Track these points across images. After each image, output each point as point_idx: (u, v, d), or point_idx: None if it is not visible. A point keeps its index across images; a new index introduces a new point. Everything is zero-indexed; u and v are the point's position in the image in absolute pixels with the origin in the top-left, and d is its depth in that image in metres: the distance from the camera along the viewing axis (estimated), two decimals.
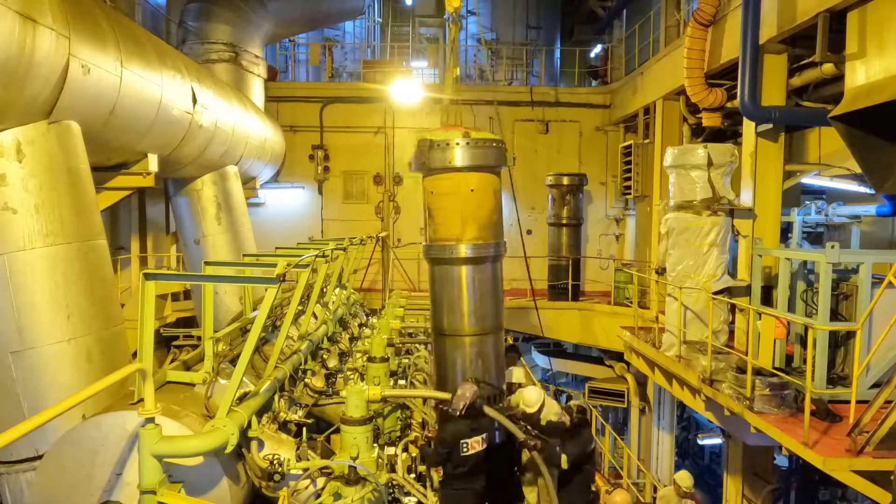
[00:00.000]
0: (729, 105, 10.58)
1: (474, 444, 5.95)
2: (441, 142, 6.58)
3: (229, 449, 4.54)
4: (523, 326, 14.76)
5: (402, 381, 7.89)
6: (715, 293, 8.85)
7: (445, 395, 6.95)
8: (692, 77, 10.65)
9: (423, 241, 7.25)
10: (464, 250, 6.70)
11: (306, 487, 5.04)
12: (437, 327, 7.20)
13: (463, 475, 5.97)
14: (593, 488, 7.24)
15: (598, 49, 22.22)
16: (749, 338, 8.12)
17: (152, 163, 8.96)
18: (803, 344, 7.74)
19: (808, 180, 10.66)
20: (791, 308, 8.12)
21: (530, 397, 6.67)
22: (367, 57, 23.02)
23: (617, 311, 14.05)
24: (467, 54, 21.88)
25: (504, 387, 7.37)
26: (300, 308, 7.05)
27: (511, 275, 14.79)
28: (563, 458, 6.14)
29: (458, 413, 5.99)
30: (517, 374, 8.19)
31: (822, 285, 7.22)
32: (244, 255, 8.22)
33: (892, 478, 5.31)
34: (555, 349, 17.54)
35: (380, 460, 5.38)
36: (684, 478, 8.66)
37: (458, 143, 6.56)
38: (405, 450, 6.14)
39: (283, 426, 5.63)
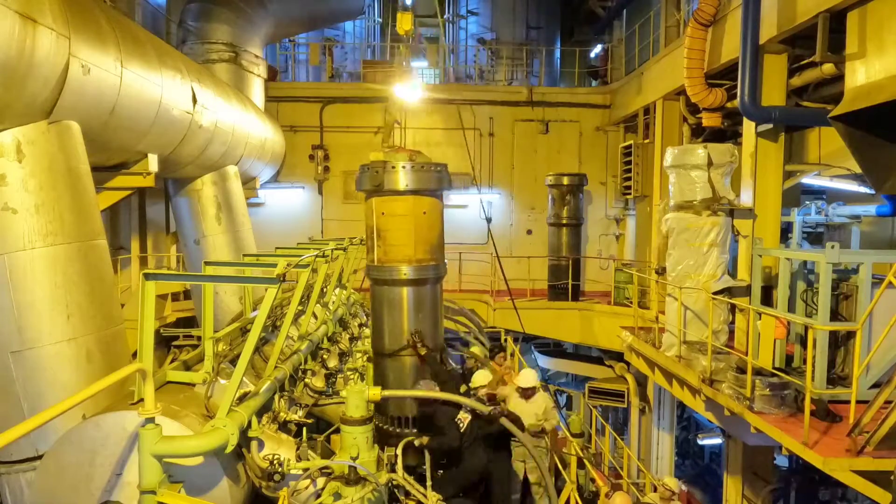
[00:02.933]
0: (729, 105, 10.59)
1: (463, 417, 6.18)
2: (396, 164, 6.67)
3: (229, 449, 4.54)
4: (518, 325, 14.74)
5: None
6: (715, 293, 8.85)
7: (445, 396, 6.96)
8: (692, 77, 10.66)
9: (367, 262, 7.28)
10: (411, 271, 6.80)
11: (306, 487, 5.04)
12: (377, 348, 7.25)
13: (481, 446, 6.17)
14: (593, 487, 7.29)
15: (598, 49, 22.22)
16: (749, 338, 8.12)
17: (152, 163, 8.96)
18: (803, 344, 7.74)
19: (808, 180, 10.65)
20: (791, 308, 8.12)
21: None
22: (367, 57, 23.03)
23: (617, 311, 14.04)
24: (467, 54, 21.90)
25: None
26: (300, 308, 7.04)
27: (508, 274, 14.80)
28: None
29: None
30: (479, 378, 8.29)
31: (822, 285, 7.22)
32: (244, 255, 8.22)
33: (892, 478, 5.31)
34: (555, 349, 17.54)
35: (380, 460, 5.38)
36: (671, 482, 8.78)
37: (412, 167, 6.68)
38: (405, 449, 6.14)
39: (283, 426, 5.62)
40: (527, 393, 7.72)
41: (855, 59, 7.26)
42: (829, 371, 7.22)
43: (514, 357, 11.86)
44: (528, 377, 7.79)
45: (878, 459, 5.70)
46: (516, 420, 6.53)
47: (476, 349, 10.20)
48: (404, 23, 10.29)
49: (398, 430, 6.78)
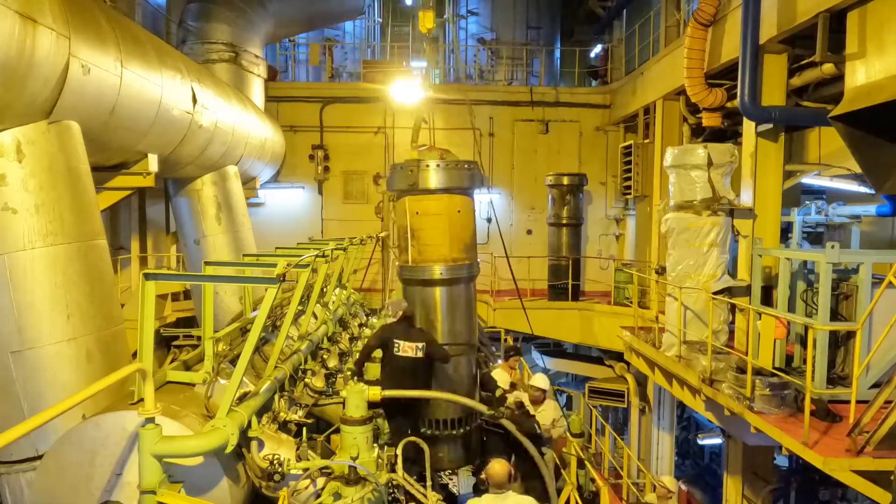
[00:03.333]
0: (729, 105, 10.59)
1: (406, 348, 6.23)
2: (430, 162, 6.64)
3: (229, 449, 4.54)
4: (521, 326, 14.75)
5: None
6: (715, 293, 8.85)
7: (447, 396, 6.96)
8: (692, 77, 10.66)
9: (399, 262, 7.28)
10: (445, 271, 6.77)
11: (306, 487, 5.04)
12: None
13: (395, 379, 6.25)
14: (593, 487, 7.30)
15: (598, 49, 22.21)
16: (749, 338, 8.12)
17: (152, 163, 8.96)
18: (803, 344, 7.74)
19: (808, 180, 10.65)
20: (791, 308, 8.11)
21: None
22: (367, 57, 23.03)
23: (617, 311, 14.04)
24: (467, 54, 21.90)
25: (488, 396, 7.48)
26: (300, 308, 7.04)
27: (508, 274, 14.81)
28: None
29: (395, 317, 6.45)
30: (499, 377, 8.31)
31: (822, 285, 7.21)
32: (244, 255, 8.21)
33: (892, 478, 5.31)
34: (555, 349, 17.54)
35: (380, 460, 5.38)
36: (668, 482, 8.83)
37: (446, 165, 6.66)
38: (406, 449, 6.14)
39: (283, 426, 5.62)
40: (537, 398, 7.70)
41: (855, 59, 7.26)
42: (829, 371, 7.22)
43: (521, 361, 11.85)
44: (542, 380, 7.81)
45: (878, 459, 5.70)
46: (520, 423, 6.54)
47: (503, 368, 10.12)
48: (426, 21, 10.23)
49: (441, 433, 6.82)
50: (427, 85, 11.92)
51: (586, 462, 7.80)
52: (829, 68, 8.13)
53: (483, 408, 6.69)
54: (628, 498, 11.23)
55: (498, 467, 5.71)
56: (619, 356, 13.84)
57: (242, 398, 5.11)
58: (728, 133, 11.87)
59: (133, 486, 4.43)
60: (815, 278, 7.84)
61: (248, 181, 14.74)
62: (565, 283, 15.42)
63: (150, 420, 4.23)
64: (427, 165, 6.64)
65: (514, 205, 18.24)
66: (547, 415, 7.78)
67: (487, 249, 16.23)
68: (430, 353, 6.53)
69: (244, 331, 6.31)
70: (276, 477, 4.85)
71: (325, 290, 8.49)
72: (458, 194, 6.77)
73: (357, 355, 7.25)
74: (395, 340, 6.33)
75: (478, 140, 17.25)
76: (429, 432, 6.89)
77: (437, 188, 6.67)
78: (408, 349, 6.30)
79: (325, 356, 7.50)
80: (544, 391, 7.71)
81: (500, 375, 8.22)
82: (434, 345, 6.59)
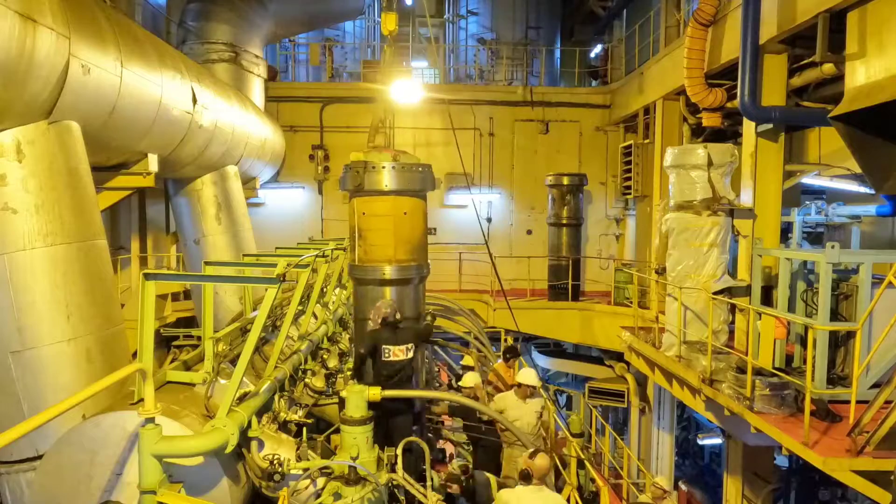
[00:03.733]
0: (729, 105, 10.58)
1: (397, 352, 6.25)
2: (376, 164, 6.66)
3: (229, 449, 4.54)
4: (521, 326, 14.74)
5: None
6: (715, 293, 8.85)
7: (446, 395, 6.98)
8: (692, 77, 10.66)
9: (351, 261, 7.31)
10: (393, 271, 6.78)
11: (306, 487, 5.04)
12: (358, 347, 7.27)
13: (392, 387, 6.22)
14: (593, 487, 7.31)
15: (598, 49, 22.22)
16: (749, 338, 8.12)
17: (152, 163, 8.96)
18: (803, 344, 7.74)
19: (808, 180, 10.66)
20: (791, 308, 8.11)
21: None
22: (367, 57, 23.02)
23: (617, 311, 14.04)
24: (467, 54, 21.90)
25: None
26: (300, 308, 7.04)
27: (508, 274, 14.81)
28: None
29: (376, 324, 6.43)
30: (468, 380, 8.43)
31: (822, 285, 7.21)
32: (244, 255, 8.22)
33: (892, 478, 5.31)
34: (555, 349, 17.54)
35: (380, 460, 5.38)
36: (662, 481, 8.87)
37: (392, 167, 6.66)
38: (405, 449, 6.14)
39: (283, 426, 5.62)
40: (526, 392, 7.73)
41: (855, 59, 7.26)
42: (829, 371, 7.22)
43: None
44: (529, 375, 7.81)
45: (878, 459, 5.70)
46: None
47: (469, 359, 10.19)
48: (388, 23, 10.27)
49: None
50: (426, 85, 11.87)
51: (586, 462, 7.80)
52: (829, 68, 8.12)
53: (485, 408, 6.72)
54: (628, 498, 11.23)
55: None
56: (619, 356, 13.84)
57: (242, 398, 5.11)
58: (728, 133, 11.87)
59: (133, 486, 4.43)
60: (815, 278, 7.84)
61: (248, 181, 14.74)
62: (565, 283, 15.42)
63: (150, 420, 4.24)
64: (373, 167, 6.67)
65: (514, 205, 18.24)
66: (537, 405, 7.81)
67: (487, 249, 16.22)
68: (419, 342, 6.63)
69: (244, 331, 6.31)
70: (276, 477, 4.85)
71: (325, 290, 8.49)
72: (406, 196, 6.78)
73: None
74: (385, 347, 6.35)
75: (477, 140, 17.26)
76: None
77: (382, 190, 6.69)
78: (398, 353, 6.32)
79: (325, 356, 7.50)
80: (534, 388, 7.71)
81: (470, 378, 8.33)
82: (421, 333, 6.69)
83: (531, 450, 6.08)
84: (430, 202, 7.40)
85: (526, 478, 5.71)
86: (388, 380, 6.31)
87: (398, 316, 6.52)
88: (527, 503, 5.55)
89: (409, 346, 6.41)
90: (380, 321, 6.42)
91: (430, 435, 7.44)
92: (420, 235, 7.03)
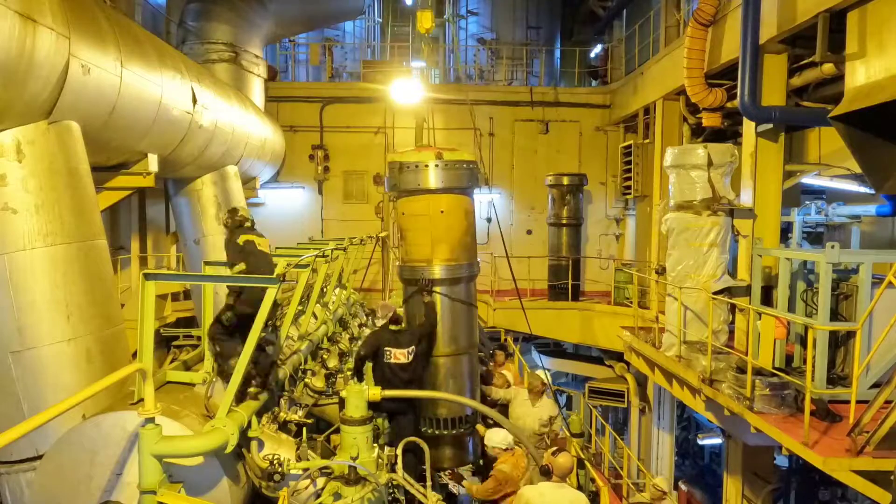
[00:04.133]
0: (729, 105, 10.58)
1: (398, 355, 6.21)
2: (411, 163, 6.65)
3: (229, 449, 4.54)
4: (521, 326, 14.75)
5: None
6: (715, 293, 8.84)
7: (446, 396, 6.97)
8: (692, 77, 10.65)
9: (397, 262, 7.32)
10: (436, 271, 6.73)
11: (306, 487, 5.04)
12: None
13: (390, 384, 6.20)
14: (593, 487, 7.31)
15: (598, 49, 22.21)
16: (749, 338, 8.12)
17: (152, 163, 8.95)
18: (803, 344, 7.74)
19: (808, 180, 10.66)
20: (791, 308, 8.11)
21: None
22: (367, 57, 23.03)
23: (617, 311, 14.04)
24: (467, 54, 21.90)
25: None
26: (300, 308, 7.04)
27: (508, 274, 14.78)
28: None
29: (385, 322, 6.48)
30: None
31: (822, 285, 7.21)
32: None
33: (892, 478, 5.31)
34: (555, 349, 17.54)
35: (380, 460, 5.38)
36: (661, 482, 8.89)
37: (427, 165, 6.63)
38: (405, 449, 6.14)
39: (283, 426, 5.63)
40: (535, 387, 7.78)
41: (855, 59, 7.25)
42: (829, 371, 7.22)
43: (514, 357, 11.86)
44: (540, 375, 7.89)
45: (878, 459, 5.70)
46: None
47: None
48: (425, 21, 10.20)
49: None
50: (427, 85, 11.87)
51: (586, 462, 7.80)
52: (829, 68, 8.12)
53: (486, 409, 6.68)
54: (628, 498, 11.22)
55: (565, 461, 5.76)
56: (619, 356, 13.83)
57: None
58: (728, 133, 11.87)
59: (133, 486, 4.43)
60: (815, 278, 7.84)
61: (248, 181, 14.74)
62: (565, 283, 15.41)
63: (150, 420, 4.24)
64: (408, 167, 6.64)
65: (514, 205, 18.24)
66: (545, 411, 7.82)
67: (487, 249, 16.23)
68: (422, 348, 6.54)
69: None
70: (276, 477, 4.85)
71: (325, 290, 8.50)
72: (445, 194, 6.73)
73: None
74: (387, 349, 6.32)
75: (478, 140, 17.24)
76: (430, 431, 6.89)
77: (418, 189, 6.66)
78: (399, 356, 6.30)
79: (325, 356, 7.50)
80: (544, 382, 7.77)
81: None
82: (424, 338, 6.58)
83: (554, 448, 6.10)
84: None
85: (546, 473, 5.72)
86: (388, 378, 6.29)
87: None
88: (549, 499, 5.55)
89: (411, 349, 6.34)
90: (389, 315, 6.40)
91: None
92: (461, 234, 6.92)
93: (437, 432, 6.89)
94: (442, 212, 6.71)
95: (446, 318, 6.93)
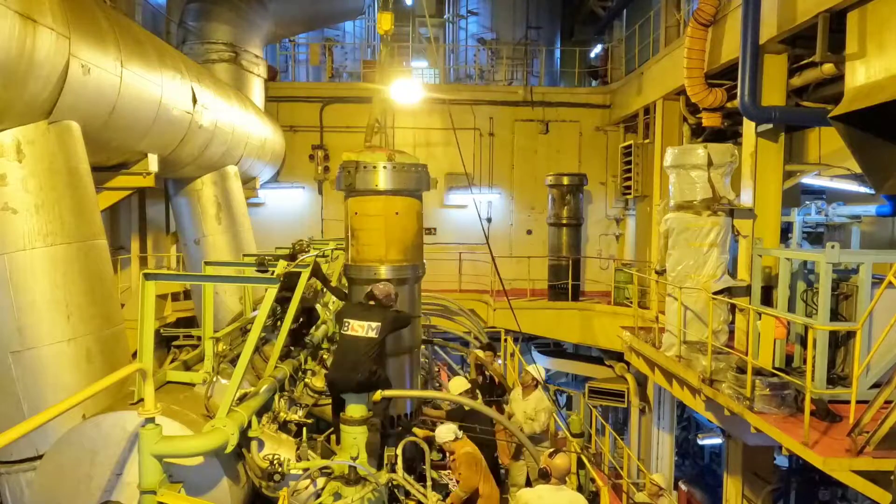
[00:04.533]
0: (729, 105, 10.58)
1: (356, 327, 5.82)
2: (368, 164, 6.65)
3: (229, 449, 4.54)
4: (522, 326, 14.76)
5: None
6: (715, 293, 8.85)
7: (446, 395, 6.98)
8: (692, 77, 10.66)
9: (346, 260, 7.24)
10: (386, 271, 6.73)
11: (306, 487, 5.04)
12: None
13: (338, 365, 5.84)
14: (593, 487, 7.32)
15: (598, 49, 22.21)
16: (749, 338, 8.12)
17: (152, 163, 8.96)
18: (803, 344, 7.74)
19: (808, 180, 10.66)
20: (791, 308, 8.11)
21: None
22: (367, 57, 23.02)
23: (617, 311, 14.04)
24: (467, 54, 21.90)
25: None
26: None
27: (507, 274, 14.79)
28: None
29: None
30: (455, 385, 8.38)
31: (822, 285, 7.21)
32: (244, 255, 8.22)
33: (892, 478, 5.32)
34: (555, 349, 17.54)
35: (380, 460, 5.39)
36: (658, 478, 8.91)
37: (384, 167, 6.62)
38: (405, 449, 6.14)
39: (283, 426, 5.63)
40: (527, 382, 7.83)
41: (855, 59, 7.26)
42: (829, 371, 7.22)
43: (515, 357, 11.87)
44: (535, 370, 7.92)
45: (878, 459, 5.70)
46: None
47: (479, 352, 10.32)
48: (384, 22, 10.21)
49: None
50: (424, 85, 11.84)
51: (586, 462, 7.80)
52: (829, 68, 8.12)
53: (485, 408, 6.70)
54: (628, 498, 11.22)
55: (561, 462, 5.73)
56: (619, 356, 13.83)
57: (242, 398, 5.11)
58: (728, 133, 11.87)
59: (133, 486, 4.44)
60: (815, 278, 7.84)
61: (248, 181, 14.74)
62: (565, 283, 15.42)
63: (150, 420, 4.24)
64: (364, 167, 6.65)
65: (514, 205, 18.24)
66: (530, 404, 7.90)
67: (487, 249, 16.22)
68: (392, 328, 6.12)
69: (244, 331, 6.32)
70: (276, 477, 4.85)
71: (325, 290, 8.48)
72: (398, 196, 6.74)
73: None
74: (346, 320, 5.94)
75: (477, 140, 17.26)
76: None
77: (373, 189, 6.66)
78: (357, 328, 5.85)
79: (325, 356, 7.50)
80: (534, 378, 7.78)
81: (458, 383, 8.34)
82: (397, 320, 6.22)
83: (551, 450, 6.10)
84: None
85: (544, 476, 5.71)
86: (338, 353, 5.95)
87: (392, 299, 6.33)
88: (548, 502, 5.55)
89: (375, 325, 5.86)
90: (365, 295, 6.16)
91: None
92: (413, 235, 6.96)
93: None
94: (397, 213, 6.75)
95: None
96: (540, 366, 8.26)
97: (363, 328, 5.83)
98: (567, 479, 7.15)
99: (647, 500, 8.66)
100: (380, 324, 5.81)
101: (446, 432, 6.68)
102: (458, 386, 8.31)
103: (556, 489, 5.64)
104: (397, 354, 6.83)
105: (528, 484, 7.60)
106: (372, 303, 6.07)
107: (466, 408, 7.43)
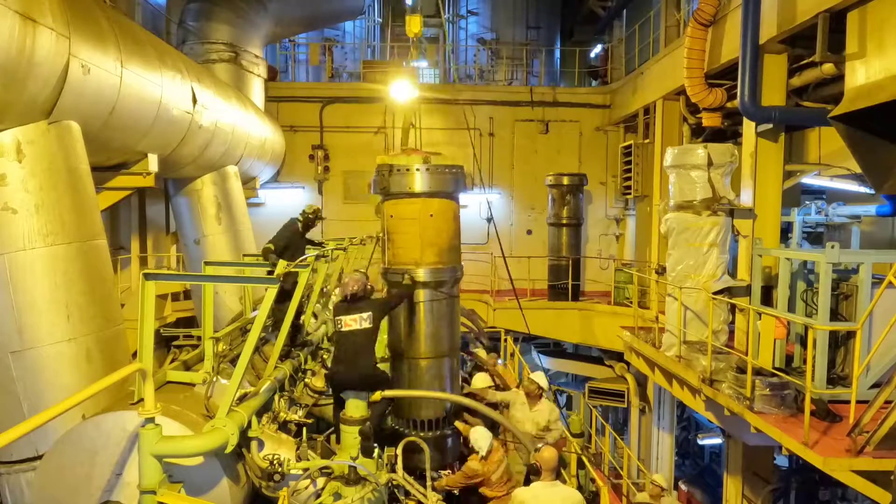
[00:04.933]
0: (729, 105, 10.58)
1: (349, 322, 5.98)
2: (402, 167, 6.64)
3: (229, 449, 4.54)
4: (521, 326, 14.76)
5: None
6: (715, 293, 8.85)
7: (445, 396, 6.97)
8: (692, 77, 10.66)
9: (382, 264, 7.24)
10: (422, 274, 6.71)
11: (306, 487, 5.04)
12: (393, 349, 7.21)
13: (338, 359, 5.99)
14: (593, 487, 7.32)
15: (598, 49, 22.22)
16: (749, 338, 8.12)
17: (152, 163, 8.96)
18: (803, 344, 7.74)
19: (808, 180, 10.65)
20: (791, 308, 8.11)
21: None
22: (367, 57, 23.04)
23: (617, 311, 14.04)
24: (467, 54, 21.90)
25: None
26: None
27: (507, 274, 14.78)
28: None
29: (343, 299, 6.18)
30: (478, 381, 8.31)
31: (822, 285, 7.21)
32: (244, 255, 8.23)
33: (892, 478, 5.32)
34: (555, 349, 17.54)
35: (380, 460, 5.39)
36: (659, 478, 8.88)
37: (418, 169, 6.61)
38: (405, 448, 6.14)
39: (283, 426, 5.63)
40: (531, 391, 7.71)
41: (855, 59, 7.26)
42: (829, 371, 7.22)
43: (515, 358, 11.87)
44: (540, 377, 7.80)
45: (878, 459, 5.70)
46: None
47: (480, 352, 10.30)
48: (413, 25, 10.12)
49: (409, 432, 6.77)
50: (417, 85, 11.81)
51: (586, 462, 7.79)
52: (829, 68, 8.12)
53: (486, 409, 6.69)
54: (629, 498, 11.23)
55: (548, 453, 5.70)
56: (619, 356, 13.83)
57: (242, 398, 5.11)
58: (728, 133, 11.87)
59: (133, 486, 4.44)
60: (815, 278, 7.84)
61: (248, 181, 14.74)
62: (565, 283, 15.41)
63: (150, 420, 4.24)
64: (398, 170, 6.63)
65: (514, 205, 18.25)
66: (542, 416, 7.74)
67: (487, 249, 16.24)
68: (383, 312, 6.31)
69: (244, 331, 6.32)
70: (276, 477, 4.86)
71: (325, 290, 8.49)
72: (433, 198, 6.72)
73: None
74: (339, 318, 6.08)
75: (474, 140, 17.24)
76: (406, 431, 6.81)
77: (408, 192, 6.64)
78: (350, 322, 6.01)
79: (325, 356, 7.50)
80: (540, 387, 7.69)
81: (481, 379, 8.25)
82: (386, 303, 6.39)
83: (538, 445, 6.08)
84: None
85: (536, 472, 5.70)
86: (342, 350, 6.03)
87: (369, 289, 6.36)
88: (543, 499, 5.53)
89: (366, 315, 6.03)
90: (345, 296, 6.16)
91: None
92: (449, 238, 6.91)
93: (420, 434, 6.80)
94: (432, 215, 6.72)
95: (430, 321, 6.90)
96: (542, 373, 8.20)
97: (356, 321, 5.99)
98: (562, 472, 7.15)
99: (648, 501, 8.65)
100: (370, 313, 6.00)
101: (482, 444, 6.51)
102: (481, 381, 8.28)
103: (551, 485, 5.61)
104: (437, 357, 6.81)
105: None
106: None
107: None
